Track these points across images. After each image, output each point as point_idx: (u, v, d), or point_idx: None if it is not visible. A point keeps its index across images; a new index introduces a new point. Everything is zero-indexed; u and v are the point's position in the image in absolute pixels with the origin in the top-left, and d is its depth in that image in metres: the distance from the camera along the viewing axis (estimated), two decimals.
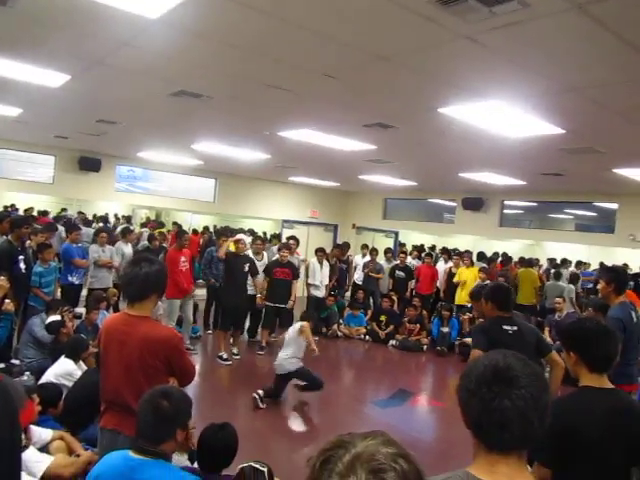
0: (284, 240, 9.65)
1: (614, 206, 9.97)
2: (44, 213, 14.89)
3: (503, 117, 4.78)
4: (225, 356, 7.50)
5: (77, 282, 7.54)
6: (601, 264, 11.19)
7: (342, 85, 4.44)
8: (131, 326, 2.68)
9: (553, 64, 3.46)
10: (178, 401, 2.28)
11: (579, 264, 13.71)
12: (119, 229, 11.98)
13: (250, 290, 8.05)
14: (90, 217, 15.97)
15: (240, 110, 5.84)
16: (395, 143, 6.80)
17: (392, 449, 0.86)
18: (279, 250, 8.51)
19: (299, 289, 9.82)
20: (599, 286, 4.65)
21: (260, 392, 5.82)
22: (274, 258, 8.68)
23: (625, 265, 15.32)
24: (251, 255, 8.15)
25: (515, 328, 3.74)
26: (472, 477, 1.26)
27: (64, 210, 17.76)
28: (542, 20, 2.74)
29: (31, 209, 14.87)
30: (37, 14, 3.41)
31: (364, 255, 11.35)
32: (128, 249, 8.65)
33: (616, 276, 4.41)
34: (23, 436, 2.90)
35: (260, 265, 8.35)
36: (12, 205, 14.90)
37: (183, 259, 7.49)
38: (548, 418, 1.28)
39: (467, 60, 3.50)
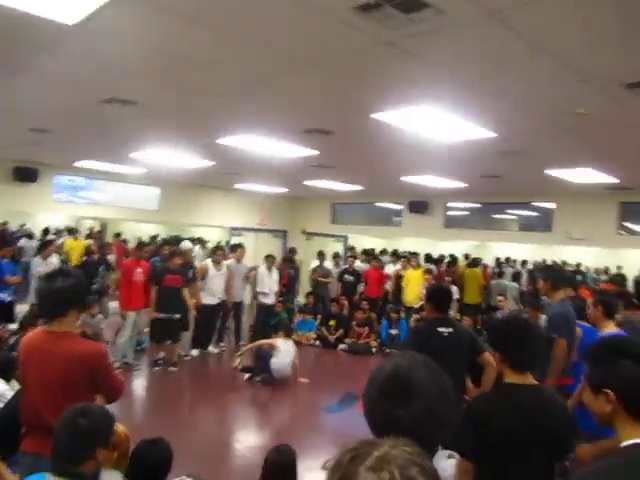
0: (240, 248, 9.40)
1: (553, 206, 10.36)
2: None
3: (436, 122, 4.87)
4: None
5: (8, 299, 7.25)
6: (535, 264, 11.64)
7: (275, 91, 4.44)
8: (51, 343, 2.56)
9: (473, 70, 3.55)
10: (97, 418, 2.19)
11: (524, 263, 14.30)
12: (59, 241, 11.60)
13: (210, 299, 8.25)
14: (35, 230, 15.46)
15: (173, 117, 5.74)
16: (336, 148, 6.83)
17: (415, 449, 0.95)
18: (170, 256, 7.92)
19: (247, 297, 9.75)
20: (539, 285, 4.83)
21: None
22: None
23: (564, 262, 16.03)
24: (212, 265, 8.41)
25: (450, 330, 3.83)
26: None
27: (5, 224, 17.12)
28: (458, 27, 2.81)
29: None
30: None
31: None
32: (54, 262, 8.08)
33: (550, 273, 4.65)
34: None
35: (219, 275, 8.47)
36: None
37: (139, 270, 7.45)
38: (449, 424, 1.31)
39: (391, 66, 3.55)
